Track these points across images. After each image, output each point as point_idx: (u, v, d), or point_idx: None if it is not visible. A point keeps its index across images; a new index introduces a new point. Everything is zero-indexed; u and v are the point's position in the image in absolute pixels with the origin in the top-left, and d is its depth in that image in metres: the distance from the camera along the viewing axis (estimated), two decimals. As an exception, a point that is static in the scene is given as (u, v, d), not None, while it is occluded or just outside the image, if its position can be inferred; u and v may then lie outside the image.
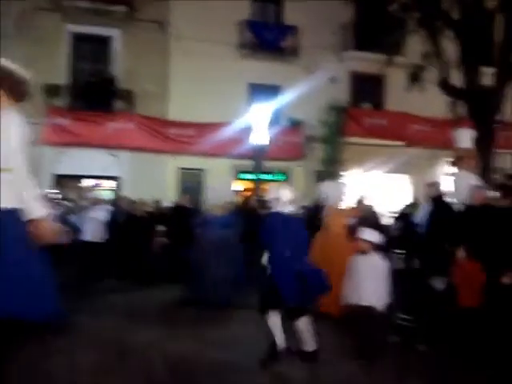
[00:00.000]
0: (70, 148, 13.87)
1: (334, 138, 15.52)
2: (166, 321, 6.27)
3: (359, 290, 4.76)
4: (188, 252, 7.54)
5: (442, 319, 5.22)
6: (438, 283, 5.59)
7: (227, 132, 14.19)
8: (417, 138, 15.78)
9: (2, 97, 2.78)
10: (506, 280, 4.80)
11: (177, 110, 14.96)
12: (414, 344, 5.12)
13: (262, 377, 4.32)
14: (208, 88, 14.81)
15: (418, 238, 6.56)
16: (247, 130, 12.58)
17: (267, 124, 11.98)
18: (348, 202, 7.49)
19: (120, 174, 14.66)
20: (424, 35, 12.18)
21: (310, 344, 4.60)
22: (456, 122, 11.52)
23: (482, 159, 10.25)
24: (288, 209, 4.76)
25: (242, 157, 13.69)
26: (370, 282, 4.73)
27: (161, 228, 9.69)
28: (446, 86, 11.98)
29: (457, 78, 11.91)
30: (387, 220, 9.52)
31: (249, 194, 13.98)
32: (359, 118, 15.88)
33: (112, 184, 14.86)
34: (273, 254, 4.63)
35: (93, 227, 9.17)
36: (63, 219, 9.37)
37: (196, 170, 15.20)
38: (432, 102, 14.34)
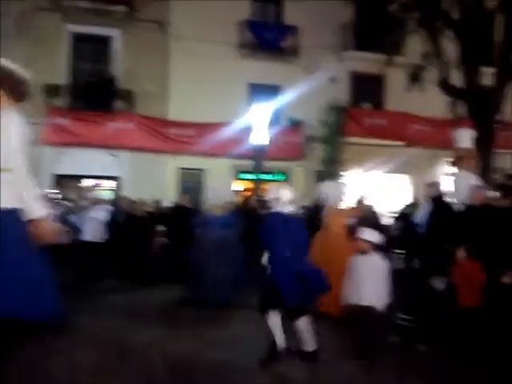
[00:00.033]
0: (69, 148, 13.88)
1: (333, 138, 15.52)
2: (166, 321, 6.27)
3: (359, 290, 4.76)
4: (188, 252, 7.54)
5: (442, 319, 5.21)
6: (438, 283, 5.59)
7: (227, 132, 14.20)
8: (417, 138, 15.79)
9: (2, 97, 2.78)
10: (506, 280, 4.80)
11: (177, 110, 14.96)
12: (414, 344, 5.12)
13: (262, 377, 4.32)
14: (208, 88, 14.81)
15: (418, 238, 6.56)
16: (247, 130, 12.58)
17: (267, 124, 11.98)
18: (348, 201, 7.49)
19: (120, 174, 14.66)
20: (424, 35, 12.18)
21: (309, 344, 4.60)
22: (456, 122, 11.52)
23: (482, 159, 10.26)
24: (288, 209, 4.76)
25: (241, 157, 13.69)
26: (370, 282, 4.73)
27: (161, 228, 9.69)
28: (445, 85, 11.98)
29: (457, 78, 11.91)
30: (387, 220, 9.52)
31: (249, 194, 13.98)
32: (359, 118, 15.88)
33: (112, 184, 14.86)
34: (273, 253, 4.62)
35: (93, 227, 9.17)
36: (63, 219, 9.37)
37: (196, 169, 15.20)
38: (432, 102, 14.34)
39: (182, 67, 15.04)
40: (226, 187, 14.31)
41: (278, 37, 16.06)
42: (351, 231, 6.05)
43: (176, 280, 8.00)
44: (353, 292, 4.83)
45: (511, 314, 4.67)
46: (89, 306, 6.77)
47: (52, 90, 13.74)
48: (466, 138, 8.15)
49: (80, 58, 14.94)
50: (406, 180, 16.72)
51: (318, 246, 6.43)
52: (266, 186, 10.73)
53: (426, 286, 5.73)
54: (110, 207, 10.11)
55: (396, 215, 9.54)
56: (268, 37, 15.97)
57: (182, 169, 15.20)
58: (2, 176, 2.62)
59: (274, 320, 4.60)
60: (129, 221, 9.67)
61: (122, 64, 14.93)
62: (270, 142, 12.25)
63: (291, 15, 16.15)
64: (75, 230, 9.33)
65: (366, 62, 16.00)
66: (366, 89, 16.90)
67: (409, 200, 11.52)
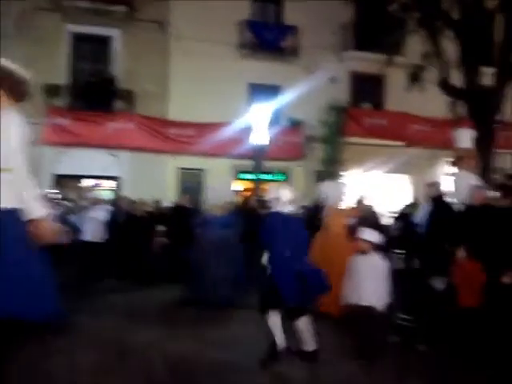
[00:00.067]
0: (69, 148, 13.88)
1: (333, 138, 15.52)
2: (166, 321, 6.27)
3: (359, 290, 4.76)
4: (188, 252, 7.54)
5: (442, 319, 5.21)
6: (438, 283, 5.59)
7: (227, 132, 14.20)
8: (417, 138, 15.79)
9: (2, 97, 2.78)
10: (506, 280, 4.80)
11: (177, 110, 14.96)
12: (414, 344, 5.12)
13: (262, 377, 4.32)
14: (208, 88, 14.81)
15: (418, 238, 6.56)
16: (247, 130, 12.58)
17: (267, 124, 11.98)
18: (348, 201, 7.49)
19: (120, 174, 14.66)
20: (424, 35, 12.18)
21: (309, 344, 4.60)
22: (456, 122, 11.52)
23: (482, 159, 10.25)
24: (288, 209, 4.76)
25: (241, 157, 13.69)
26: (370, 282, 4.72)
27: (161, 228, 9.69)
28: (445, 85, 11.98)
29: (457, 78, 11.91)
30: (387, 220, 9.52)
31: (249, 194, 13.98)
32: (359, 118, 15.88)
33: (112, 184, 14.86)
34: (273, 253, 4.62)
35: (93, 227, 9.17)
36: (63, 219, 9.37)
37: (196, 169, 15.21)
38: (432, 102, 14.34)
39: (182, 67, 15.05)
40: (225, 187, 14.31)
41: (278, 37, 16.06)
42: (351, 231, 6.05)
43: (176, 280, 7.99)
44: (353, 292, 4.83)
45: (511, 313, 4.67)
46: (89, 306, 6.76)
47: (52, 90, 13.74)
48: (465, 137, 8.15)
49: (80, 58, 14.94)
50: (405, 180, 16.72)
51: (317, 246, 6.43)
52: (266, 186, 10.73)
53: (425, 286, 5.73)
54: (109, 207, 10.11)
55: (396, 215, 9.54)
56: (268, 37, 15.97)
57: (182, 169, 15.20)
58: (2, 176, 2.62)
59: (274, 320, 4.60)
60: (129, 221, 9.67)
61: (121, 64, 14.93)
62: (270, 141, 12.26)
63: (291, 15, 16.15)
64: (75, 230, 9.33)
65: (366, 62, 16.00)
66: (366, 89, 16.90)
67: (409, 200, 11.52)
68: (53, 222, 2.96)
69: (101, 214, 9.40)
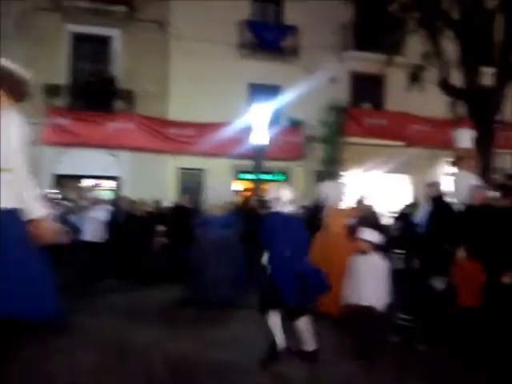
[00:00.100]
0: (70, 148, 13.88)
1: (333, 138, 15.52)
2: (166, 321, 6.27)
3: (359, 290, 4.76)
4: (188, 252, 7.54)
5: (442, 319, 5.21)
6: (438, 283, 5.59)
7: (227, 132, 14.20)
8: (417, 138, 15.79)
9: (2, 97, 2.78)
10: (506, 280, 4.80)
11: (177, 110, 14.96)
12: (414, 344, 5.12)
13: (262, 377, 4.31)
14: (208, 88, 14.81)
15: (418, 238, 6.56)
16: (247, 130, 12.58)
17: (267, 124, 11.98)
18: (348, 201, 7.49)
19: (120, 174, 14.66)
20: (424, 35, 12.18)
21: (310, 344, 4.60)
22: (456, 122, 11.52)
23: (482, 159, 10.25)
24: (288, 209, 4.76)
25: (241, 157, 13.69)
26: (370, 282, 4.72)
27: (161, 228, 9.69)
28: (445, 85, 11.98)
29: (457, 78, 11.91)
30: (387, 220, 9.52)
31: (249, 194, 13.98)
32: (359, 118, 15.88)
33: (112, 184, 14.86)
34: (273, 253, 4.62)
35: (93, 227, 9.17)
36: (63, 219, 9.37)
37: (196, 170, 15.21)
38: (432, 102, 14.34)
39: (182, 67, 15.05)
40: (226, 187, 14.31)
41: (278, 37, 16.06)
42: (351, 231, 6.05)
43: (176, 280, 7.99)
44: (353, 292, 4.83)
45: (511, 313, 4.67)
46: (89, 306, 6.76)
47: (52, 90, 13.74)
48: (465, 138, 8.15)
49: (80, 58, 14.94)
50: (405, 180, 16.72)
51: (318, 245, 6.43)
52: (266, 186, 10.73)
53: (425, 286, 5.73)
54: (109, 207, 10.11)
55: (396, 215, 9.54)
56: (268, 37, 15.97)
57: (182, 169, 15.20)
58: (2, 176, 2.62)
59: (274, 320, 4.60)
60: (129, 221, 9.67)
61: (121, 64, 14.93)
62: (270, 141, 12.25)
63: (291, 15, 16.15)
64: (75, 230, 9.33)
65: (366, 61, 16.00)
66: (366, 89, 16.90)
67: (409, 200, 11.52)
68: (53, 221, 2.95)
69: (101, 214, 9.40)
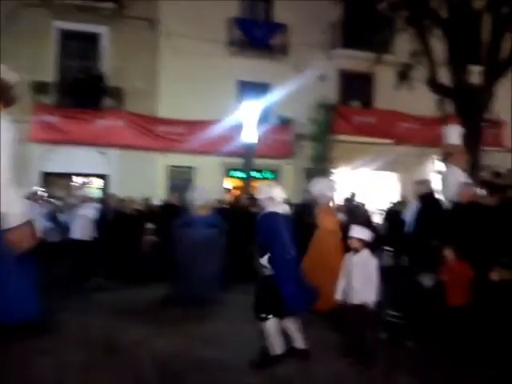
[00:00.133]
0: (58, 146, 13.76)
1: (323, 136, 15.56)
2: (154, 319, 6.24)
3: (350, 288, 4.76)
4: (174, 251, 7.50)
5: (431, 316, 5.24)
6: (427, 280, 5.62)
7: (217, 130, 14.15)
8: (405, 135, 15.85)
9: None
10: (493, 277, 4.82)
11: (166, 108, 14.89)
12: (403, 340, 5.15)
13: (250, 374, 4.31)
14: (197, 86, 14.76)
15: (407, 236, 6.59)
16: (237, 128, 12.56)
17: (256, 122, 11.97)
18: (337, 199, 7.50)
19: (109, 172, 14.56)
20: (412, 34, 12.23)
21: (300, 341, 4.61)
22: (444, 120, 11.58)
23: (469, 157, 10.31)
24: (283, 208, 4.74)
25: (231, 154, 13.67)
26: (360, 280, 4.72)
27: (150, 226, 9.64)
28: (434, 84, 12.05)
29: (445, 77, 11.98)
30: (376, 217, 9.57)
31: (239, 191, 13.97)
32: (348, 116, 15.92)
33: (101, 182, 14.76)
34: (274, 254, 4.48)
35: (82, 225, 9.10)
36: (52, 217, 9.30)
37: (185, 167, 15.15)
38: (420, 101, 14.42)
39: (171, 65, 14.98)
40: (215, 185, 14.27)
41: (267, 34, 16.04)
42: (342, 229, 6.06)
43: (164, 279, 7.96)
44: (343, 289, 4.83)
45: (499, 311, 4.70)
46: (76, 305, 6.73)
47: (39, 88, 13.60)
48: (455, 134, 8.18)
49: (68, 55, 14.80)
50: (394, 178, 16.80)
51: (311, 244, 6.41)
52: (256, 184, 10.73)
53: (414, 283, 5.75)
54: (98, 205, 10.04)
55: (384, 213, 9.60)
56: (257, 34, 15.94)
57: (172, 166, 15.14)
58: None
59: (273, 325, 4.47)
60: (117, 219, 9.61)
61: (110, 61, 14.82)
62: (260, 139, 12.25)
63: (280, 13, 16.14)
64: (64, 228, 9.26)
65: (355, 60, 16.03)
66: (355, 87, 16.95)
67: (397, 198, 11.59)
68: (32, 226, 2.82)
69: (89, 212, 9.33)
